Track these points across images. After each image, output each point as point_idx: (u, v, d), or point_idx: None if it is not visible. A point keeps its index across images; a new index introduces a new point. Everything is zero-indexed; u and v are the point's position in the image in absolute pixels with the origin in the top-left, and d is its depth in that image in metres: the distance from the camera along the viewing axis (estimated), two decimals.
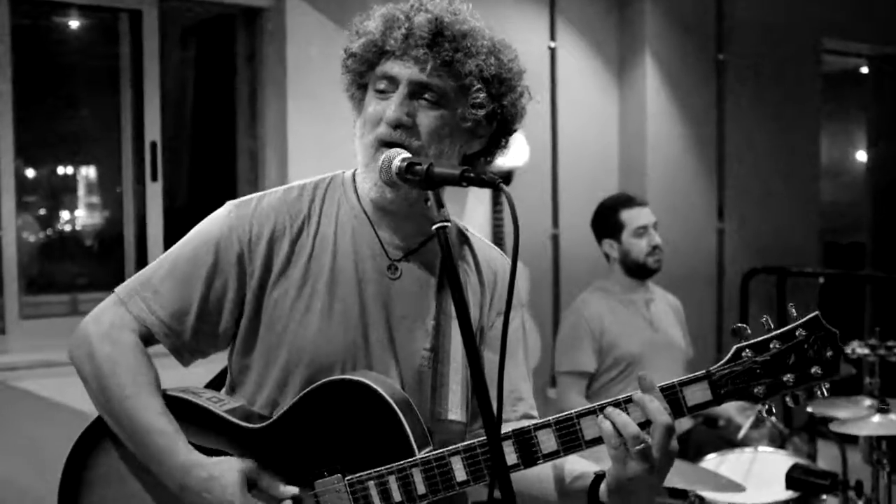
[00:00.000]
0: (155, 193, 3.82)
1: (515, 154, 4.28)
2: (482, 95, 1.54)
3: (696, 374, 1.46)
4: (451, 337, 1.61)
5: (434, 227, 1.40)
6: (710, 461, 2.98)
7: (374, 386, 1.49)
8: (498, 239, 4.23)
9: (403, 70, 1.53)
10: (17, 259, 3.55)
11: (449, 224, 1.41)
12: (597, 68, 4.83)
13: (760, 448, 3.10)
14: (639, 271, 3.44)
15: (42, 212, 4.35)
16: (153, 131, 3.80)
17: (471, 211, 4.31)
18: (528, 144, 4.34)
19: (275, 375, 1.58)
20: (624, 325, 3.39)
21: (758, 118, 5.13)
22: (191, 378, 1.73)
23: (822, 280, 5.14)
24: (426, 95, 1.52)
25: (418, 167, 1.45)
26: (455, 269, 1.40)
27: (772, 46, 5.16)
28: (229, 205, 1.64)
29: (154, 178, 3.80)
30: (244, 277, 1.59)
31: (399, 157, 1.48)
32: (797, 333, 1.45)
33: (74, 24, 4.40)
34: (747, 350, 1.45)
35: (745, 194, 5.10)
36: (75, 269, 4.31)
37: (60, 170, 4.57)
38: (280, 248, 1.59)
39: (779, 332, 1.45)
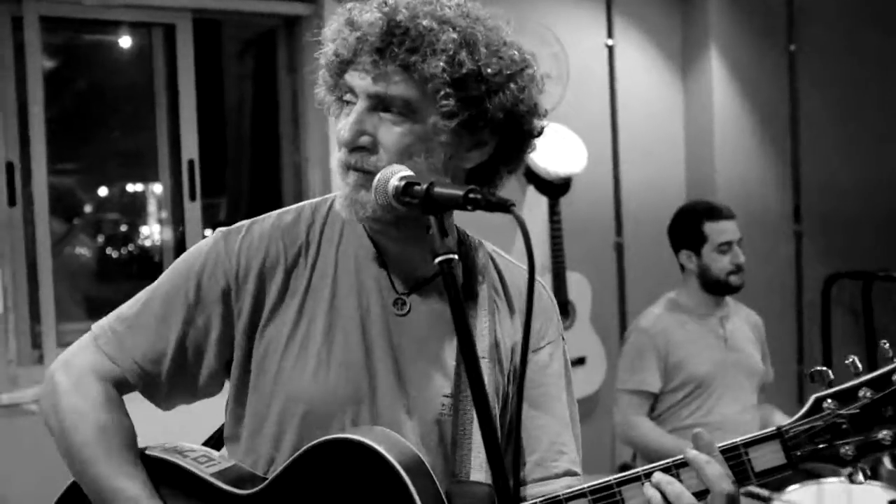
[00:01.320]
0: (193, 213, 3.67)
1: (573, 159, 4.04)
2: (450, 102, 1.26)
3: (766, 431, 1.20)
4: None
5: (436, 260, 1.17)
6: (790, 495, 2.68)
7: (376, 446, 1.26)
8: (556, 250, 3.98)
9: (358, 81, 1.28)
10: (52, 285, 3.44)
11: (455, 257, 1.17)
12: (658, 64, 4.54)
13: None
14: (718, 288, 3.15)
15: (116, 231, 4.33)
16: (190, 149, 3.65)
17: (526, 220, 4.07)
18: (586, 148, 4.10)
19: (269, 429, 1.37)
20: (694, 344, 3.11)
21: (835, 111, 4.76)
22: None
23: None
24: (389, 108, 1.28)
25: (417, 188, 1.20)
26: (462, 312, 1.16)
27: (848, 34, 4.78)
28: (217, 233, 1.43)
29: (192, 198, 3.65)
30: (230, 317, 1.38)
31: (397, 175, 1.24)
32: (894, 378, 1.17)
33: (126, 41, 4.33)
34: (829, 400, 1.19)
35: (823, 193, 4.73)
36: (121, 291, 4.24)
37: (130, 187, 4.53)
38: (272, 281, 1.38)
39: (870, 376, 1.18)
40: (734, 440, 1.22)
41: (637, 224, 4.43)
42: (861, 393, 1.19)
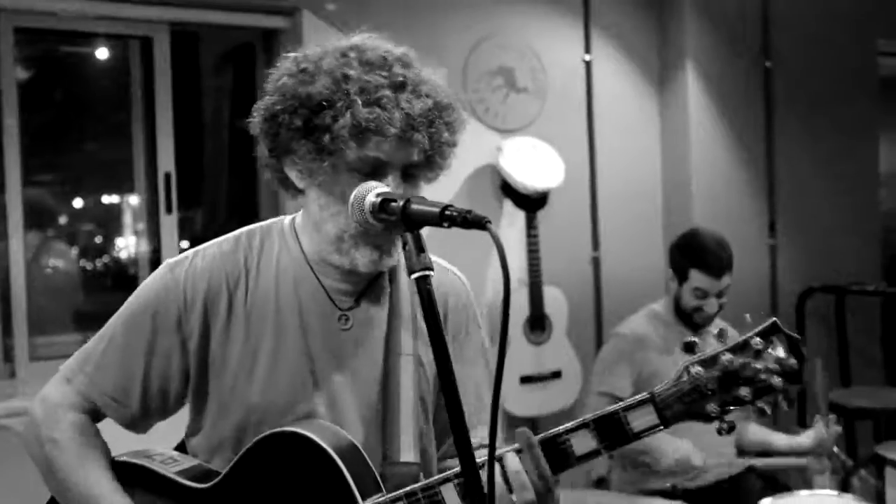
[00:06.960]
0: (170, 226, 3.66)
1: (550, 174, 4.06)
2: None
3: (639, 396, 1.36)
4: (401, 374, 1.52)
5: (412, 276, 1.20)
6: None
7: (311, 436, 1.40)
8: (533, 264, 3.99)
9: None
10: (26, 296, 3.41)
11: (431, 272, 1.20)
12: (635, 79, 4.58)
13: (820, 491, 2.80)
14: (683, 317, 3.19)
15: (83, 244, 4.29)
16: (167, 162, 3.64)
17: (503, 234, 4.07)
18: (563, 163, 4.12)
19: (229, 436, 1.51)
20: (670, 356, 3.12)
21: (810, 126, 4.82)
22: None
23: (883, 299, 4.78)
24: None
25: (394, 204, 1.26)
26: (438, 325, 1.20)
27: (823, 51, 4.85)
28: (164, 266, 1.56)
29: (168, 211, 3.64)
30: (186, 342, 1.50)
31: (373, 191, 1.31)
32: (752, 343, 1.34)
33: (103, 53, 4.30)
34: (696, 366, 1.34)
35: (798, 207, 4.79)
36: (103, 303, 4.22)
37: (106, 199, 4.51)
38: (217, 307, 1.51)
39: (731, 344, 1.34)
40: (613, 406, 1.37)
41: (614, 239, 4.45)
42: (723, 358, 1.34)
